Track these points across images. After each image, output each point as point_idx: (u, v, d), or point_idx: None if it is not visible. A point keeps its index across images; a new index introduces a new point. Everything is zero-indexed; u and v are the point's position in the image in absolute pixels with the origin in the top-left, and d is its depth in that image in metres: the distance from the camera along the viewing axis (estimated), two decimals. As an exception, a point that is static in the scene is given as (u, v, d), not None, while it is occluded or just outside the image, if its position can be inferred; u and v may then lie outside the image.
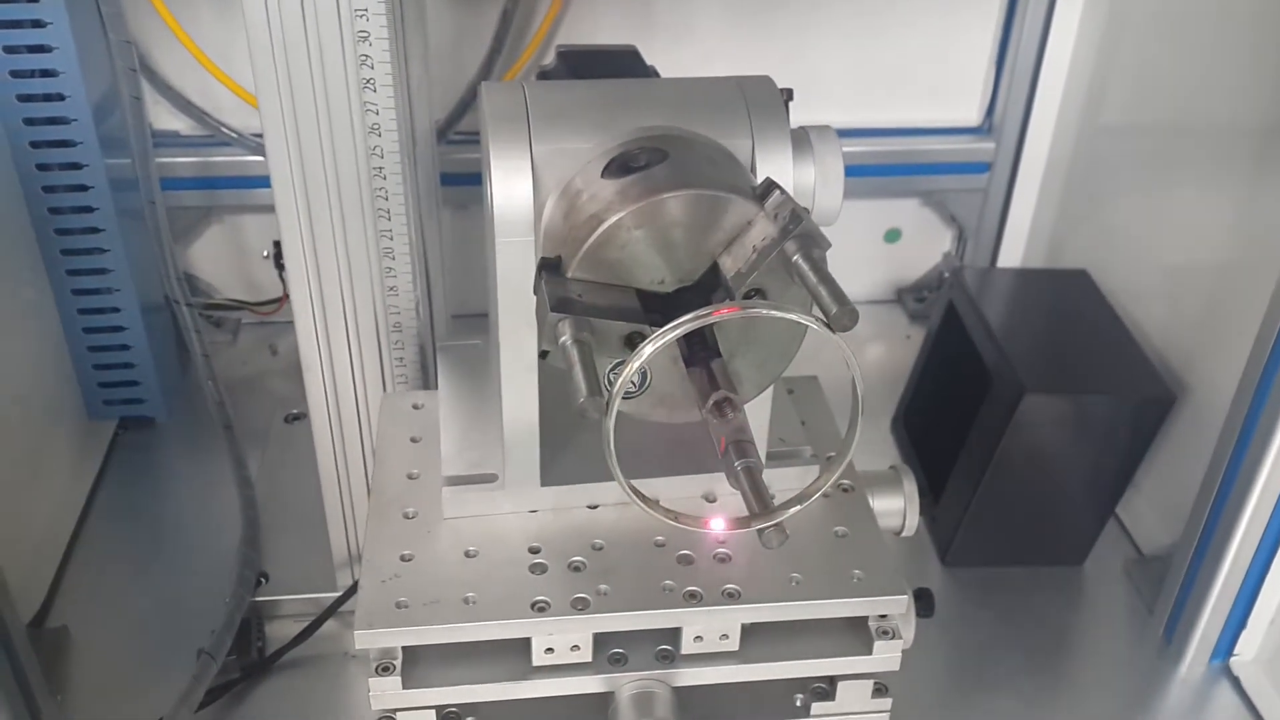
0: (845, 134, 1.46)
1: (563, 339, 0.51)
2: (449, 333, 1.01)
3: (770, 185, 0.55)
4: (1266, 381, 0.87)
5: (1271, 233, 0.88)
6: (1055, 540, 1.08)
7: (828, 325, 0.50)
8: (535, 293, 0.55)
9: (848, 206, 1.50)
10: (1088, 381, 1.01)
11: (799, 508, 0.52)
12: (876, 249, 1.47)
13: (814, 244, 0.52)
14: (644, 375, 0.55)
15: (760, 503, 0.50)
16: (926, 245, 1.48)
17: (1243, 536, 0.92)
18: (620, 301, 0.53)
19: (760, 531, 0.50)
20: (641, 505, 0.52)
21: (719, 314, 0.49)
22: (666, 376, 0.56)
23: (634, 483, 0.68)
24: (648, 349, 0.48)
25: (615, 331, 0.53)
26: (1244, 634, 0.97)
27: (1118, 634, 1.03)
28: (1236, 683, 0.98)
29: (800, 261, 0.52)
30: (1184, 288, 1.07)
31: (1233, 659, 0.99)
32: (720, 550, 0.67)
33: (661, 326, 0.49)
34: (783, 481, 0.70)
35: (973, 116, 1.38)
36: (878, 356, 1.42)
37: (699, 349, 0.53)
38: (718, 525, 0.54)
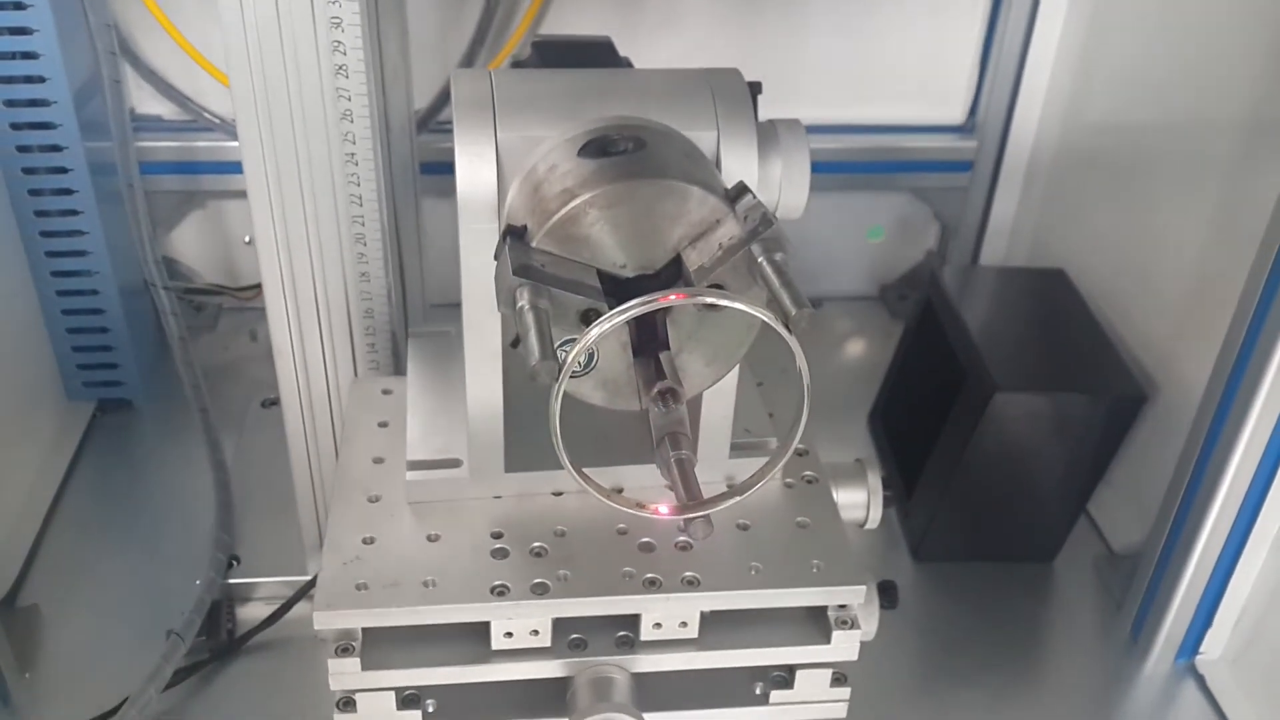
0: (829, 130, 1.47)
1: (520, 304, 0.51)
2: (425, 321, 1.02)
3: (743, 188, 0.55)
4: (1234, 381, 0.88)
5: (1243, 233, 0.89)
6: (1026, 537, 1.09)
7: (785, 325, 0.50)
8: (496, 258, 0.55)
9: (832, 202, 1.50)
10: (1059, 380, 1.01)
11: (731, 501, 0.53)
12: (860, 245, 1.48)
13: (779, 247, 0.54)
14: (591, 356, 0.56)
15: (690, 494, 0.51)
16: (910, 243, 1.48)
17: (1209, 535, 0.92)
18: (580, 277, 0.54)
19: (687, 523, 0.51)
20: (575, 475, 0.52)
21: (676, 298, 0.49)
22: (613, 361, 0.56)
23: (601, 470, 0.69)
24: (597, 328, 0.49)
25: (571, 306, 0.54)
26: (1210, 633, 0.98)
27: (1085, 631, 1.04)
28: (1201, 681, 0.98)
29: (764, 263, 0.53)
30: (1159, 288, 1.07)
31: (1198, 657, 0.99)
32: (681, 538, 0.67)
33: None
34: (746, 472, 0.70)
35: (957, 115, 1.39)
36: (858, 352, 1.43)
37: (649, 338, 0.53)
38: (659, 510, 0.55)
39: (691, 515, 0.51)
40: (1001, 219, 1.41)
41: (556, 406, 0.49)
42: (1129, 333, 1.10)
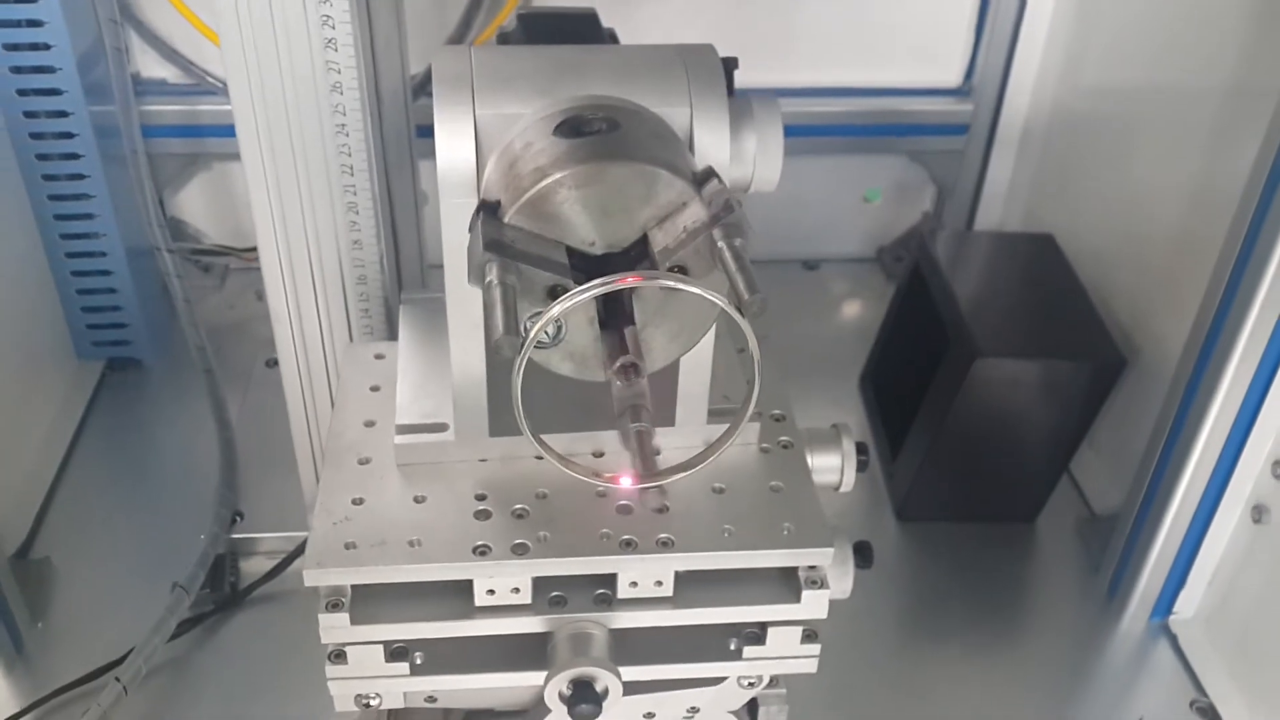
0: (826, 93, 1.46)
1: (489, 279, 0.53)
2: (424, 283, 1.04)
3: (710, 172, 0.57)
4: (1209, 346, 0.89)
5: (1222, 199, 0.90)
6: (1008, 498, 1.11)
7: (738, 309, 0.52)
8: (470, 231, 0.58)
9: (828, 165, 1.50)
10: (1041, 345, 1.03)
11: (682, 475, 0.56)
12: (857, 208, 1.49)
13: (739, 232, 0.55)
14: (559, 328, 0.58)
15: (646, 465, 0.53)
16: (906, 205, 1.50)
17: (1183, 497, 0.94)
18: (549, 253, 0.56)
19: (642, 492, 0.54)
20: (534, 441, 0.54)
21: (633, 280, 0.51)
22: (581, 334, 0.58)
23: (586, 434, 0.71)
24: (558, 305, 0.51)
25: (540, 282, 0.56)
26: (1183, 593, 1.00)
27: (1064, 590, 1.07)
28: (1174, 640, 1.01)
29: (724, 248, 0.55)
30: (1143, 252, 1.09)
31: (1171, 617, 1.02)
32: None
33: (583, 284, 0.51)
34: (723, 437, 0.73)
35: (953, 78, 1.40)
36: (854, 314, 1.45)
37: (615, 313, 0.55)
38: (619, 480, 0.57)
39: (645, 485, 0.53)
40: (997, 182, 1.42)
41: (518, 379, 0.52)
42: (1114, 297, 1.12)
